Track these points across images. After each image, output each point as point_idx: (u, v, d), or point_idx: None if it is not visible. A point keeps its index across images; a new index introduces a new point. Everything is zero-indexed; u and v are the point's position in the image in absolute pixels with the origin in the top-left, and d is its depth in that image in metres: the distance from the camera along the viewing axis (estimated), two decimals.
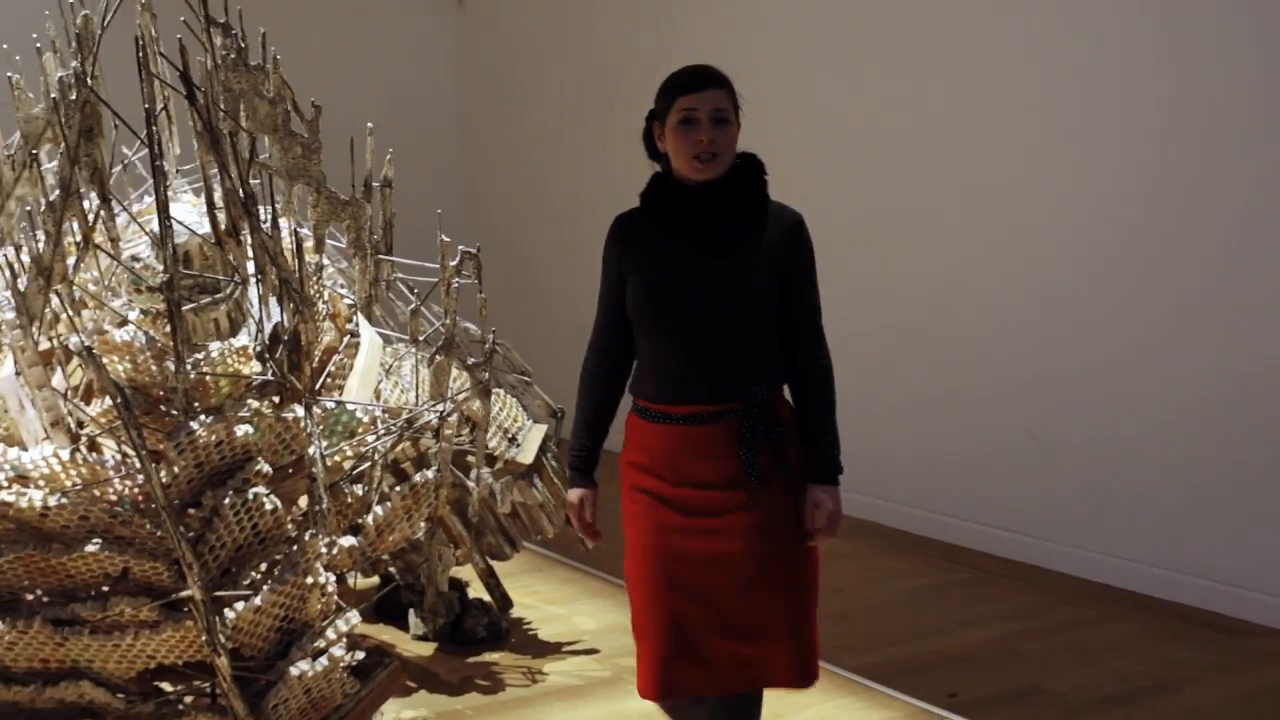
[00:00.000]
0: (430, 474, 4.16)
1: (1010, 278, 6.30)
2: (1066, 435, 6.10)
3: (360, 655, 3.96)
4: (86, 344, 3.50)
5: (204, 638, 3.49)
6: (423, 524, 4.36)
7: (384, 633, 5.29)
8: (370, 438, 3.92)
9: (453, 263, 4.12)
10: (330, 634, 3.82)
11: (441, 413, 4.18)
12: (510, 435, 5.00)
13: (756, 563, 3.13)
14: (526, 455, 4.95)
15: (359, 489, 4.16)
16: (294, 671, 3.68)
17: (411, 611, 5.28)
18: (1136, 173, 5.76)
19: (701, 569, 3.15)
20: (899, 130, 6.81)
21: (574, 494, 3.39)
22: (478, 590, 5.48)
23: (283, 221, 3.87)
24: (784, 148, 7.61)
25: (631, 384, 3.31)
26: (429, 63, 10.00)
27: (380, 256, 4.30)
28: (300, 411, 3.73)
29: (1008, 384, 6.35)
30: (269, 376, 3.68)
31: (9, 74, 3.90)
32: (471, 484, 4.79)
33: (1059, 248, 6.09)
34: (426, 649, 5.13)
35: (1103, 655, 5.08)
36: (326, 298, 4.15)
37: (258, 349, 3.68)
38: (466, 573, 5.49)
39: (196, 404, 3.60)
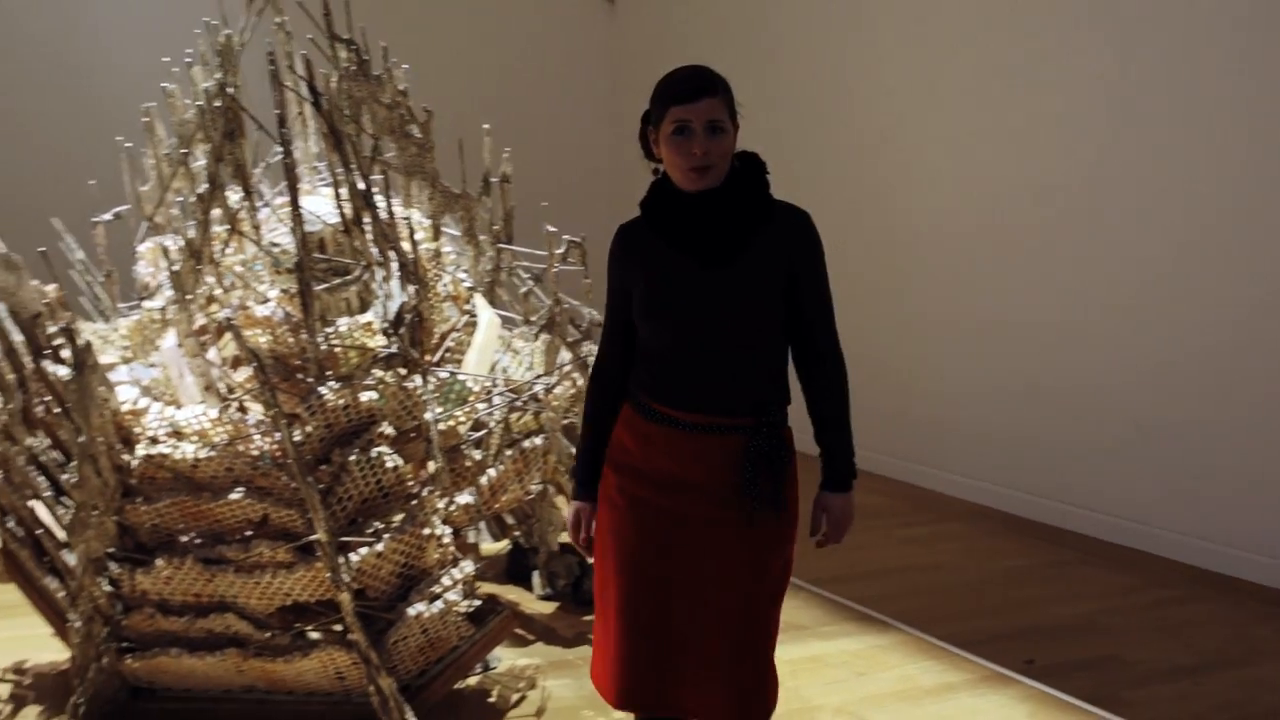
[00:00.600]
0: (539, 440, 4.62)
1: (1114, 274, 6.53)
2: (1166, 422, 6.31)
3: (476, 603, 4.44)
4: (231, 319, 4.05)
5: (330, 577, 4.00)
6: (534, 486, 4.81)
7: (511, 593, 5.76)
8: (482, 406, 4.40)
9: (559, 250, 4.57)
10: (446, 581, 4.29)
11: (547, 385, 4.63)
12: None
13: (733, 586, 3.04)
14: None
15: (477, 454, 4.64)
16: (412, 612, 4.16)
17: (535, 573, 5.74)
18: (1241, 167, 5.95)
19: (678, 581, 3.06)
20: (1018, 135, 7.07)
21: (575, 507, 3.30)
22: None
23: (401, 211, 4.37)
24: (922, 143, 7.94)
25: (633, 380, 3.17)
26: (581, 62, 10.48)
27: (500, 245, 4.76)
28: (420, 381, 4.23)
29: (1116, 375, 6.57)
30: (393, 349, 4.18)
31: (164, 85, 4.49)
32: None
33: (1160, 242, 6.30)
34: (548, 608, 5.57)
35: (1181, 630, 5.31)
36: (447, 281, 4.64)
37: (383, 325, 4.19)
38: None
39: (328, 372, 4.12)
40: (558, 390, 4.70)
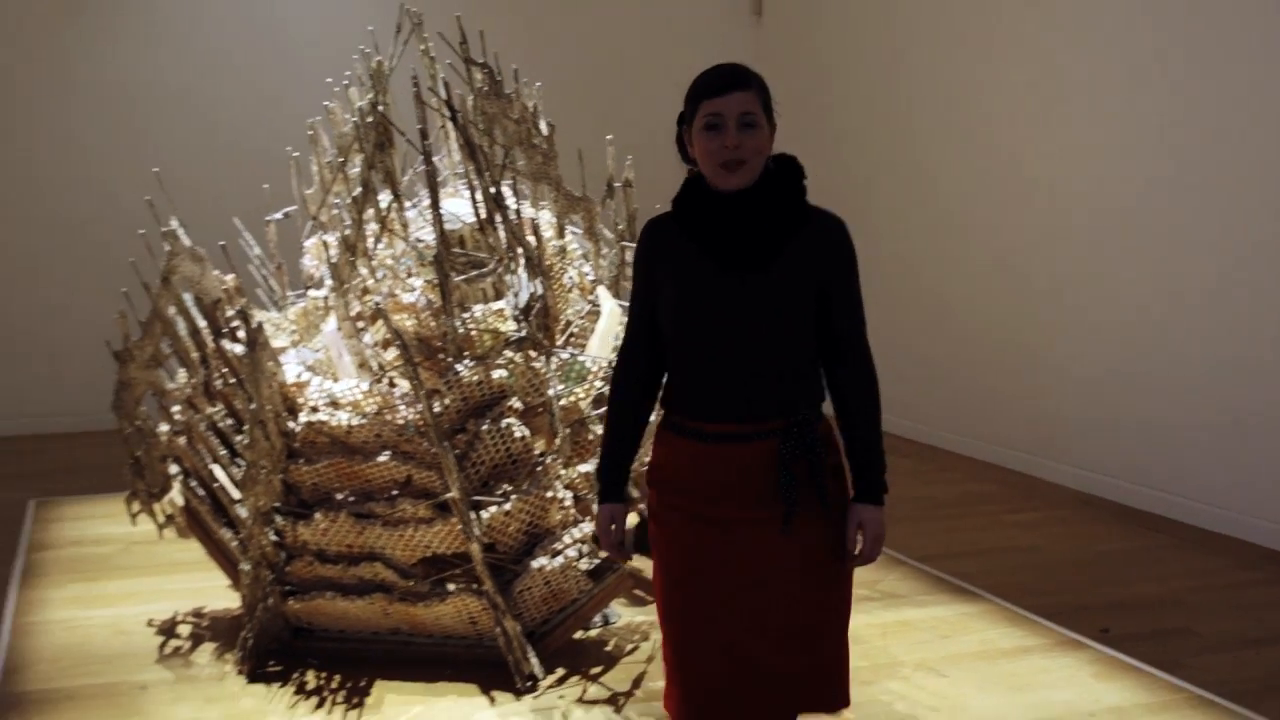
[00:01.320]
0: (652, 417, 5.15)
1: (1215, 268, 6.83)
2: (1265, 415, 6.60)
3: (595, 560, 4.99)
4: (381, 305, 4.67)
5: (464, 531, 4.59)
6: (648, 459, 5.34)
7: (639, 562, 6.30)
8: (600, 384, 4.95)
9: None
10: (567, 539, 4.86)
11: None
12: None
13: (793, 586, 3.04)
14: None
15: (598, 428, 5.20)
16: (535, 565, 4.74)
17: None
18: None
19: (738, 592, 3.03)
20: (1131, 131, 7.38)
21: (603, 511, 3.26)
22: None
23: (530, 212, 4.97)
24: (1047, 141, 8.28)
25: (663, 397, 3.17)
26: None
27: (624, 244, 5.31)
28: (545, 362, 4.81)
29: (1214, 368, 6.87)
30: (522, 334, 4.75)
31: (325, 103, 5.16)
32: None
33: (1267, 231, 6.58)
34: None
35: (1257, 609, 5.64)
36: (573, 274, 5.21)
37: (514, 312, 4.76)
38: None
39: (465, 352, 4.71)
40: None
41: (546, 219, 5.11)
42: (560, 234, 5.02)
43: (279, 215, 5.62)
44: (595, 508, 3.39)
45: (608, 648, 5.13)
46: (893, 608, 5.58)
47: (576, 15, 10.45)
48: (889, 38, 9.49)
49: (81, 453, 8.65)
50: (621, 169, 5.35)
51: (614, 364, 3.29)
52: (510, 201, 4.72)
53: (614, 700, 4.63)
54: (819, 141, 10.22)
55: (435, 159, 4.62)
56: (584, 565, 4.88)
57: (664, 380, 3.17)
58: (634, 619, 5.45)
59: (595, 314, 5.23)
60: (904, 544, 6.45)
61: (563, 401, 4.88)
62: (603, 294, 5.24)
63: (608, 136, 5.31)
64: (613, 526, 3.24)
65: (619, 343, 5.27)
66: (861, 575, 5.61)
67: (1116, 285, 7.49)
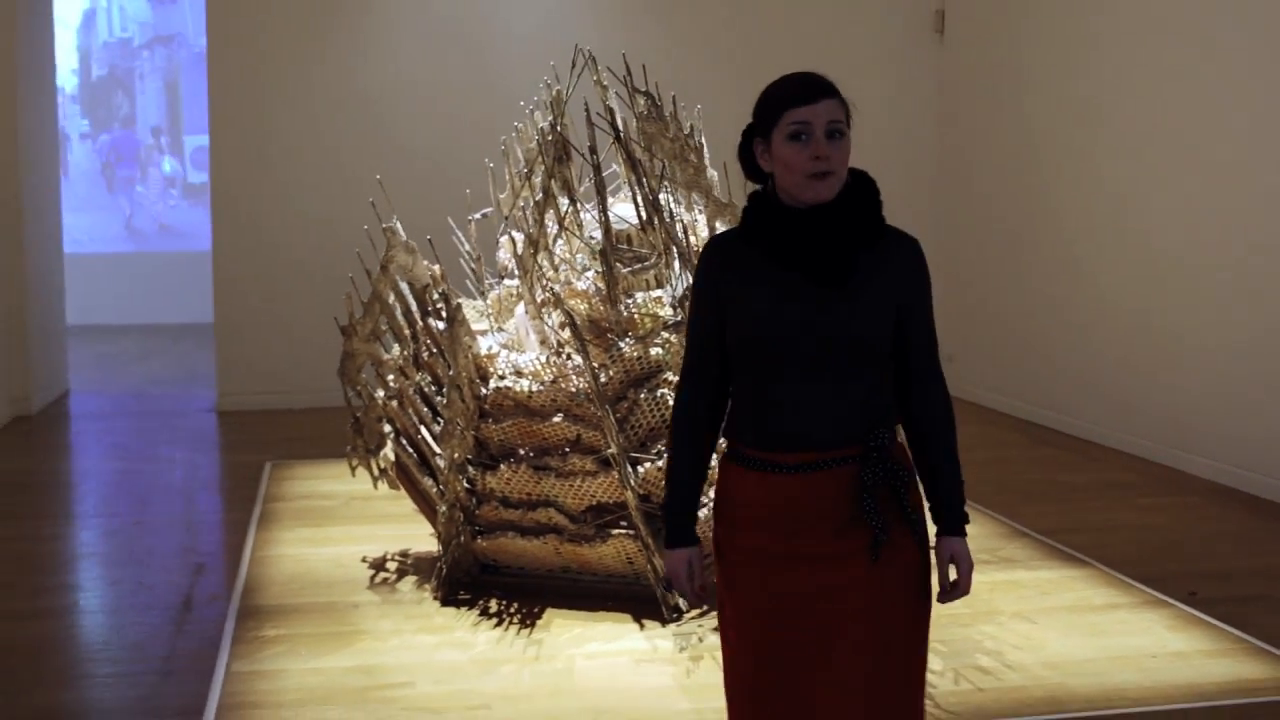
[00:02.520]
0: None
1: None
2: None
3: None
4: (558, 292, 5.58)
5: (622, 483, 5.47)
6: None
7: None
8: None
9: None
10: (711, 494, 5.70)
11: None
12: None
13: (876, 622, 2.86)
14: None
15: None
16: None
17: None
18: None
19: (816, 633, 2.85)
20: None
21: (678, 556, 3.02)
22: None
23: (684, 215, 5.85)
24: (1221, 144, 8.77)
25: (727, 427, 3.00)
26: (910, 90, 11.47)
27: None
28: None
29: None
30: (678, 318, 5.61)
31: (516, 124, 6.18)
32: None
33: None
34: None
35: None
36: None
37: (671, 300, 5.62)
38: None
39: (628, 333, 5.59)
40: None
41: (700, 220, 5.97)
42: (710, 231, 5.88)
43: (478, 215, 6.61)
44: (665, 553, 3.07)
45: None
46: (1005, 569, 6.28)
47: (760, 41, 11.17)
48: (1068, 53, 9.77)
49: (310, 426, 9.80)
50: None
51: (675, 394, 3.08)
52: (667, 206, 5.61)
53: None
54: (999, 155, 10.72)
55: (604, 171, 5.54)
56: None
57: (728, 410, 3.02)
58: None
59: None
60: (1032, 520, 7.12)
61: None
62: None
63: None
64: (692, 571, 3.01)
65: None
66: (983, 541, 6.34)
67: (1254, 288, 7.96)
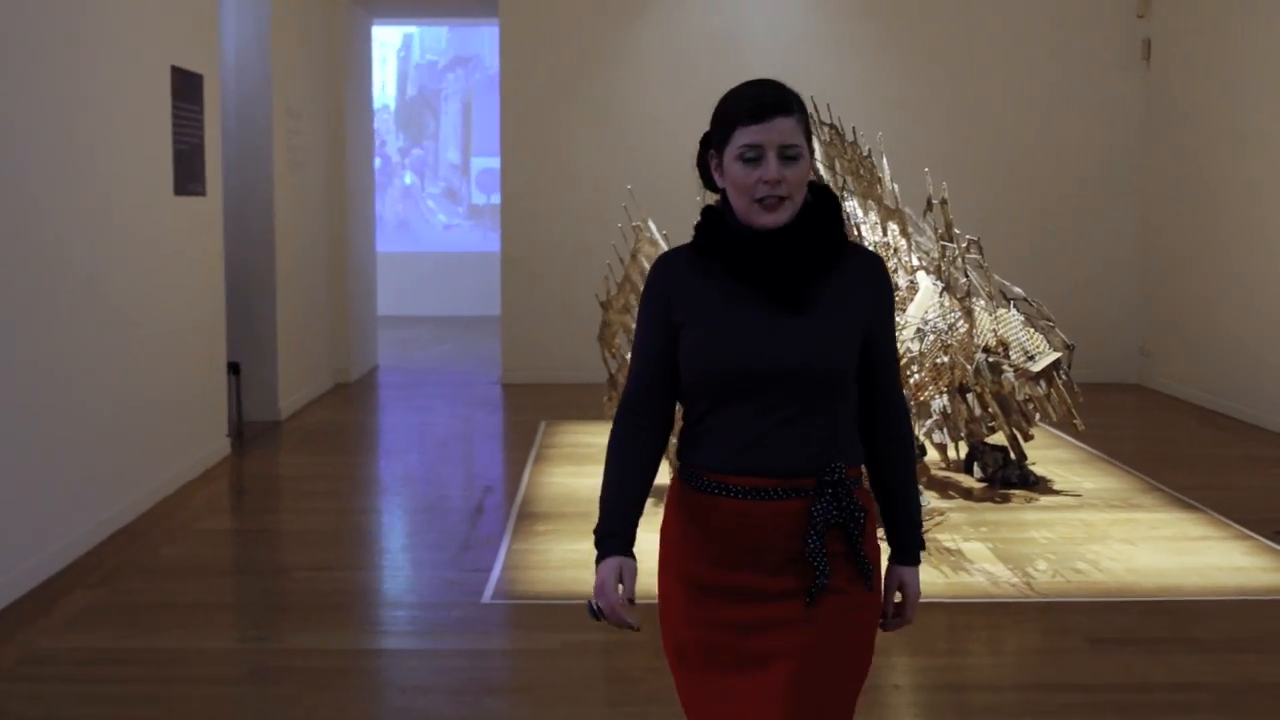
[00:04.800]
0: (944, 359, 7.52)
1: None
2: None
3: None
4: None
5: None
6: (944, 389, 7.69)
7: (962, 478, 8.59)
8: (908, 334, 7.38)
9: (963, 244, 7.49)
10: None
11: (949, 324, 7.52)
12: (1029, 355, 8.15)
13: (802, 667, 2.68)
14: (1036, 367, 8.08)
15: (917, 374, 7.61)
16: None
17: (975, 464, 8.56)
18: None
19: (745, 668, 2.72)
20: None
21: (608, 564, 2.77)
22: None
23: (859, 215, 7.51)
24: None
25: (681, 448, 2.82)
26: (1117, 112, 12.58)
27: (942, 242, 7.70)
28: None
29: None
30: None
31: None
32: (1007, 379, 8.05)
33: None
34: (978, 488, 8.37)
35: None
36: (898, 265, 7.67)
37: None
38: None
39: None
40: (959, 328, 7.56)
41: (872, 221, 7.61)
42: (884, 232, 7.50)
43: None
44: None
45: None
46: (1127, 511, 7.67)
47: (974, 70, 12.63)
48: (1271, 76, 10.32)
49: (578, 396, 11.56)
50: (939, 191, 7.75)
51: (616, 420, 2.88)
52: (847, 210, 7.29)
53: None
54: (1201, 169, 11.56)
55: None
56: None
57: (674, 433, 2.92)
58: (933, 503, 7.80)
59: (913, 290, 7.66)
60: (1169, 479, 8.41)
61: None
62: (921, 276, 7.66)
63: (925, 169, 7.74)
64: (621, 579, 2.75)
65: (930, 312, 7.68)
66: (1118, 492, 7.75)
67: None
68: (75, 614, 5.85)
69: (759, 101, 2.66)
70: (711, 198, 2.88)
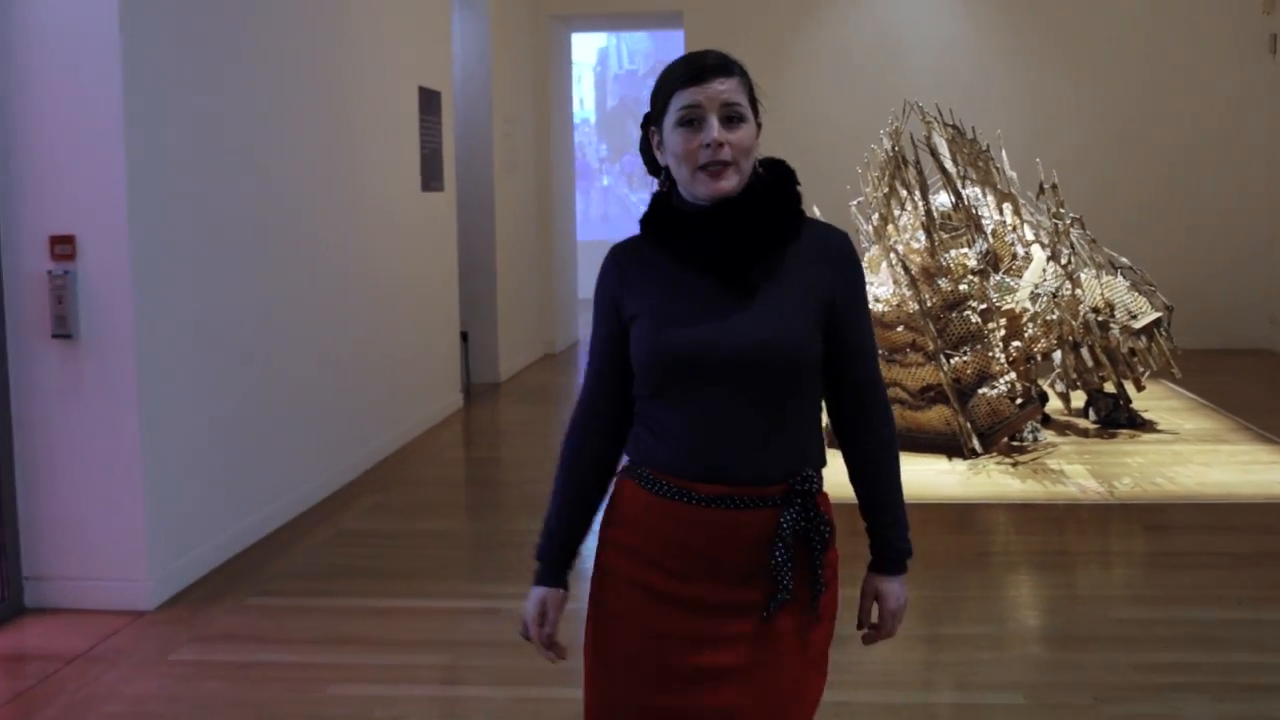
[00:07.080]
0: (1054, 316, 9.02)
1: None
2: None
3: (1019, 400, 8.95)
4: (901, 251, 8.94)
5: (940, 370, 8.73)
6: (1055, 342, 9.18)
7: (1080, 420, 10.02)
8: (1019, 296, 8.91)
9: (1068, 222, 9.01)
10: (999, 383, 8.86)
11: (1054, 289, 9.00)
12: (1132, 314, 9.59)
13: (753, 686, 2.49)
14: (1138, 324, 9.51)
15: (1029, 331, 9.15)
16: (980, 392, 8.79)
17: (1090, 408, 10.02)
18: None
19: (692, 685, 2.50)
20: None
21: (535, 595, 2.66)
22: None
23: (979, 200, 9.08)
24: None
25: (634, 448, 2.59)
26: (1243, 103, 13.59)
27: (1054, 219, 9.23)
28: (990, 282, 8.87)
29: None
30: (981, 267, 8.80)
31: (871, 145, 9.61)
32: (1114, 335, 9.51)
33: None
34: (1092, 429, 9.81)
35: None
36: (1013, 237, 9.22)
37: (975, 254, 8.83)
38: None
39: (946, 275, 8.83)
40: (1065, 290, 9.04)
41: (991, 203, 9.18)
42: (999, 212, 9.06)
43: (855, 202, 10.02)
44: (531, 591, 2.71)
45: (1017, 442, 9.06)
46: (1214, 444, 9.08)
47: (1108, 67, 13.94)
48: None
49: None
50: (1050, 177, 9.30)
51: (573, 419, 2.71)
52: (968, 195, 8.88)
53: (1014, 462, 8.62)
54: None
55: (926, 175, 8.85)
56: (1010, 396, 8.88)
57: (629, 435, 2.64)
58: (1044, 437, 9.31)
59: (1028, 260, 9.20)
60: (1264, 422, 9.74)
61: (1004, 307, 8.92)
62: (1035, 250, 9.19)
63: (1035, 159, 9.28)
64: (545, 618, 2.67)
65: (1042, 280, 9.21)
66: (1216, 431, 9.26)
67: None
68: (366, 509, 7.76)
69: (696, 63, 2.47)
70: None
